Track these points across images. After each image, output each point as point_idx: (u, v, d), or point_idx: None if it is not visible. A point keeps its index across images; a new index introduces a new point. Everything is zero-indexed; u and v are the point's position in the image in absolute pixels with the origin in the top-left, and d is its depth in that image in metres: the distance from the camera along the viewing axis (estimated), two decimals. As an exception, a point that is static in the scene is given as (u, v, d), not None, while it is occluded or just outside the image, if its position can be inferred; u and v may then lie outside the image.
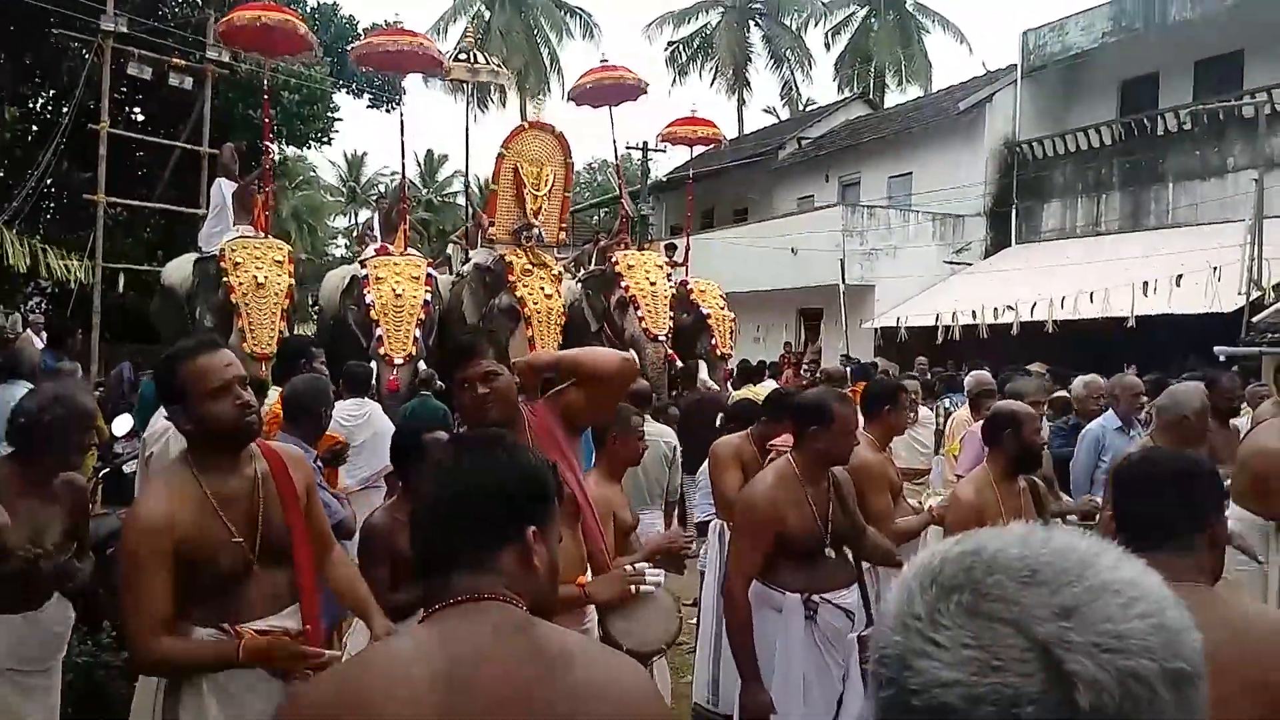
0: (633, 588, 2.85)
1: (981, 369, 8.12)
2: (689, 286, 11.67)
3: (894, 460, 4.85)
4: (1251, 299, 11.72)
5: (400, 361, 9.18)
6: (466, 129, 12.42)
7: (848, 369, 11.59)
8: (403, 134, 11.17)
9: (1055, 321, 13.63)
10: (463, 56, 11.99)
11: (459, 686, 1.24)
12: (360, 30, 18.25)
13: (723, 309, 11.44)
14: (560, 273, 10.68)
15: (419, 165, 42.97)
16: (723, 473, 4.64)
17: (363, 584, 2.75)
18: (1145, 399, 6.18)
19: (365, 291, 9.44)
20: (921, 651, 0.67)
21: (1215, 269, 11.98)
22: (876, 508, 4.38)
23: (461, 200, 44.94)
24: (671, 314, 10.69)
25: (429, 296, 9.68)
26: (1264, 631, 1.72)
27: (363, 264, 9.96)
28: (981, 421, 6.15)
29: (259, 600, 2.37)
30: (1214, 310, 11.89)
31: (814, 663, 3.38)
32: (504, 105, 32.04)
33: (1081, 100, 18.73)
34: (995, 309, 14.60)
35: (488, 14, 32.33)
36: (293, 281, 9.06)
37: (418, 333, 9.40)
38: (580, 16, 33.32)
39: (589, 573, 2.88)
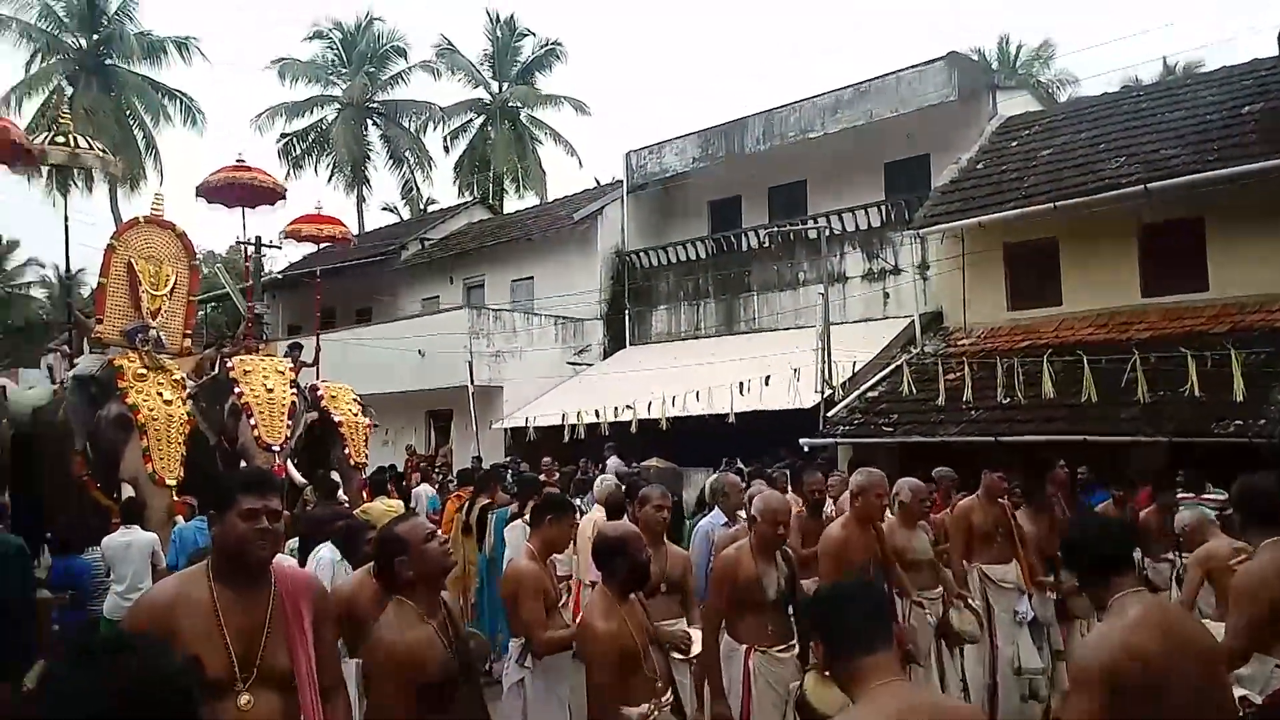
0: None
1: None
2: (319, 392, 11.17)
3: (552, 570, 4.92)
4: (825, 396, 13.53)
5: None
6: (66, 223, 11.05)
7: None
8: (-29, 226, 9.76)
9: (668, 419, 14.76)
10: (61, 140, 10.73)
11: None
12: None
13: (356, 415, 11.07)
14: (183, 378, 9.76)
15: (-18, 253, 37.36)
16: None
17: None
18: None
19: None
20: None
21: (796, 370, 13.71)
22: (524, 617, 4.45)
23: (37, 292, 39.75)
24: (291, 422, 10.14)
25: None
26: None
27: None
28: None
29: None
30: (796, 406, 13.56)
31: None
32: (90, 190, 29.01)
33: (679, 216, 20.79)
34: (615, 408, 15.51)
35: (70, 89, 29.24)
36: None
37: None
38: (181, 100, 31.14)
39: None
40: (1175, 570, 6.64)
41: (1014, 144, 15.51)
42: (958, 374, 12.53)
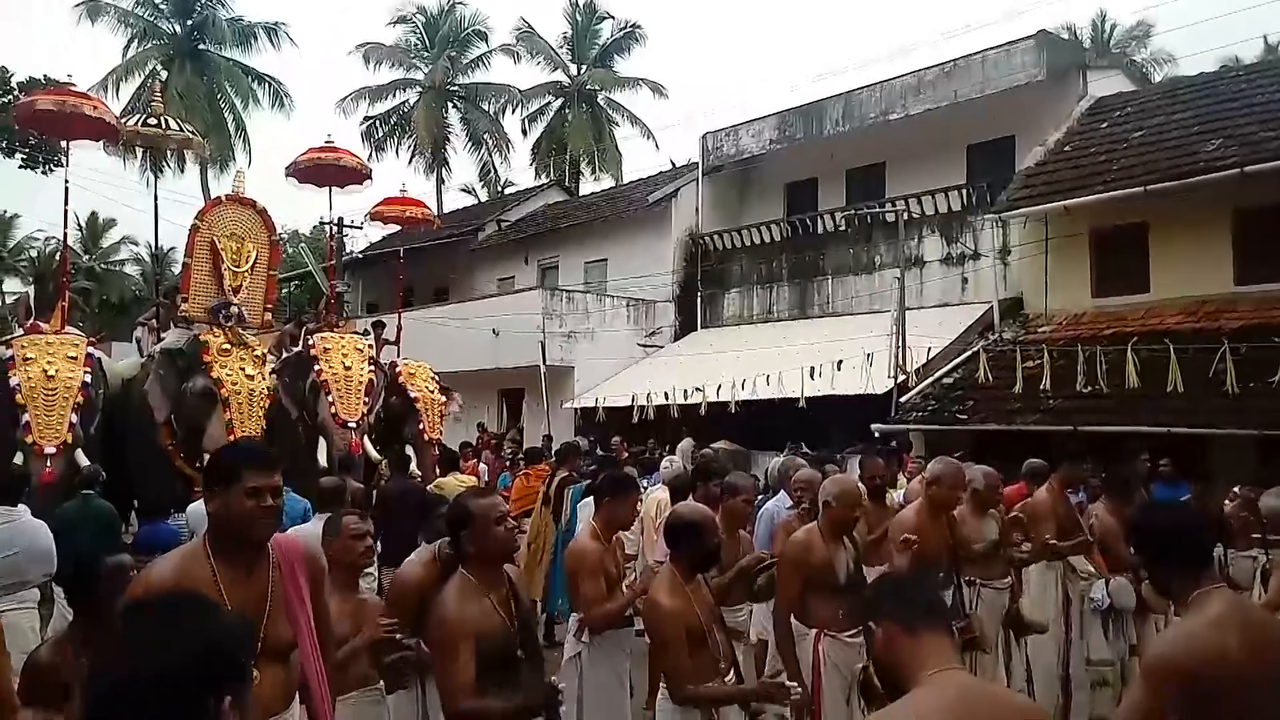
0: None
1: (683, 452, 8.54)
2: (398, 369, 11.37)
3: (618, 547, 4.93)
4: (898, 382, 13.31)
5: (52, 451, 8.23)
6: (155, 202, 11.44)
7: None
8: (66, 203, 10.13)
9: (737, 402, 14.69)
10: (153, 122, 11.09)
11: None
12: (13, 84, 16.42)
13: (433, 393, 11.23)
14: (264, 354, 10.03)
15: (80, 229, 38.84)
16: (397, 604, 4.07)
17: None
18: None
19: (10, 374, 8.43)
20: None
21: (869, 355, 13.50)
22: (583, 595, 4.49)
23: (130, 269, 41.33)
24: (368, 399, 10.32)
25: (88, 378, 8.77)
26: None
27: (7, 344, 8.90)
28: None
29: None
30: (869, 392, 13.36)
31: None
32: (182, 170, 29.95)
33: (754, 199, 20.61)
34: (685, 390, 15.49)
35: (164, 73, 30.15)
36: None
37: (74, 418, 8.49)
38: (270, 84, 31.93)
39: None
40: (1259, 567, 6.38)
41: (1104, 125, 14.98)
42: (1036, 361, 12.20)
